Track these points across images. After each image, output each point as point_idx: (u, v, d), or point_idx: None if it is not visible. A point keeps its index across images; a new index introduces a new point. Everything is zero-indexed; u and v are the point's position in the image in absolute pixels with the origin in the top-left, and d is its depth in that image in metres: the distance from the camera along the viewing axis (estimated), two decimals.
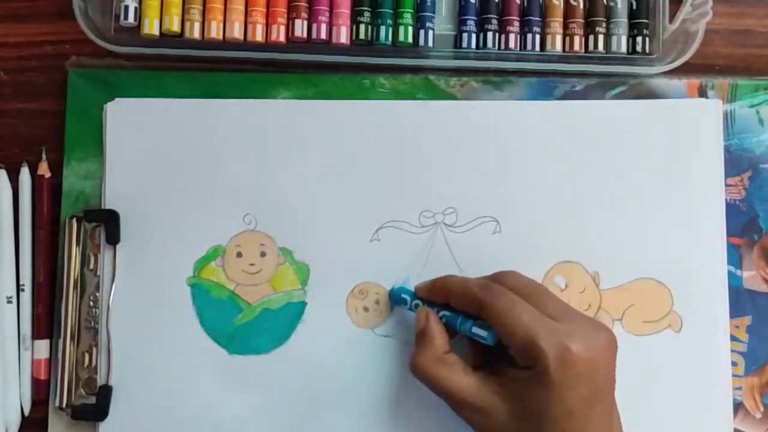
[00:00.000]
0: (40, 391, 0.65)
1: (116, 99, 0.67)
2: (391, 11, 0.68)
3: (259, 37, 0.67)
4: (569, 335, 0.55)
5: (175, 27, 0.67)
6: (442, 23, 0.69)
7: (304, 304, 0.66)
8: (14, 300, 0.66)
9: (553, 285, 0.67)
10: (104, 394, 0.64)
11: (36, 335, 0.66)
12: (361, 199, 0.67)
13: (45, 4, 0.69)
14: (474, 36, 0.68)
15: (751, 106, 0.69)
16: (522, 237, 0.67)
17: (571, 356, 0.54)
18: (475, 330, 0.59)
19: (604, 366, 0.56)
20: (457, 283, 0.61)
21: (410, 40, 0.68)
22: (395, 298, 0.66)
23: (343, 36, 0.67)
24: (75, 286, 0.65)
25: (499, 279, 0.61)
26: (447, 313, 0.61)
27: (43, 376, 0.65)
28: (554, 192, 0.67)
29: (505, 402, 0.56)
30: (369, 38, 0.68)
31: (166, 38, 0.68)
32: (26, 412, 0.65)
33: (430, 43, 0.68)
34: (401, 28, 0.67)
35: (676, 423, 0.66)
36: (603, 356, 0.56)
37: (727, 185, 0.68)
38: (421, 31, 0.68)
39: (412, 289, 0.65)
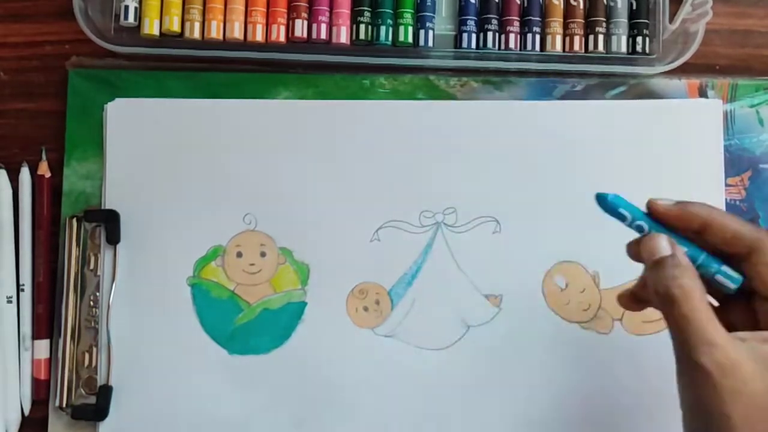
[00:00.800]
0: (40, 391, 0.65)
1: (116, 99, 0.67)
2: (391, 11, 0.68)
3: (259, 37, 0.67)
4: None
5: (175, 27, 0.67)
6: (442, 23, 0.69)
7: (304, 304, 0.66)
8: (14, 300, 0.66)
9: (553, 285, 0.67)
10: (104, 394, 0.64)
11: (36, 335, 0.66)
12: (361, 199, 0.67)
13: (45, 4, 0.69)
14: (474, 36, 0.68)
15: (751, 106, 0.69)
16: (522, 237, 0.67)
17: None
18: (725, 269, 0.52)
19: None
20: (722, 215, 0.53)
21: (410, 40, 0.68)
22: (608, 206, 0.54)
23: (343, 36, 0.67)
24: (75, 286, 0.65)
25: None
26: (687, 244, 0.53)
27: (43, 376, 0.65)
28: (554, 192, 0.67)
29: (756, 365, 0.48)
30: (369, 38, 0.68)
31: (166, 38, 0.68)
32: (26, 412, 0.65)
33: (430, 43, 0.68)
34: (401, 28, 0.67)
35: (676, 422, 0.65)
36: None
37: (727, 185, 0.68)
38: (422, 31, 0.68)
39: (635, 205, 0.54)
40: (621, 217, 0.54)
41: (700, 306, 0.49)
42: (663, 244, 0.52)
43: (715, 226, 0.52)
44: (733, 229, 0.52)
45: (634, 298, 0.58)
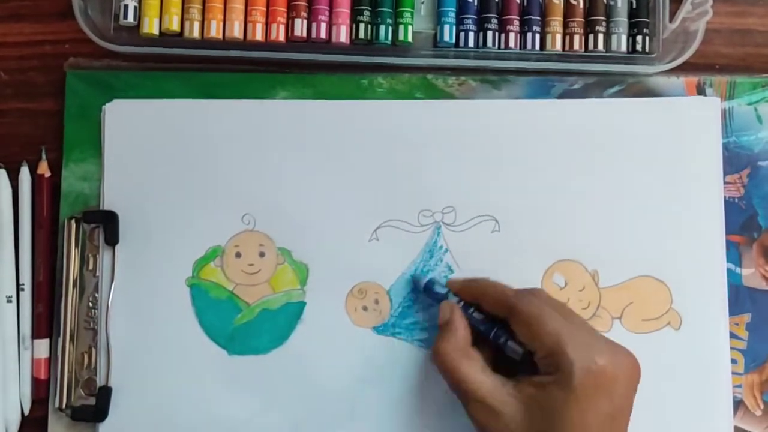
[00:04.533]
0: (40, 390, 0.65)
1: (114, 100, 0.67)
2: (391, 10, 0.67)
3: (259, 36, 0.67)
4: (597, 349, 0.56)
5: (175, 26, 0.67)
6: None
7: (303, 304, 0.66)
8: (14, 299, 0.66)
9: (552, 283, 0.67)
10: (104, 395, 0.64)
11: (36, 335, 0.66)
12: (359, 199, 0.67)
13: (45, 4, 0.69)
14: (473, 35, 0.68)
15: (750, 104, 0.69)
16: (521, 235, 0.67)
17: (597, 368, 0.54)
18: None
19: (625, 387, 0.56)
20: (491, 285, 0.62)
21: (410, 39, 0.68)
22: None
23: (342, 35, 0.67)
24: (74, 287, 0.66)
25: (530, 292, 0.61)
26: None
27: (43, 376, 0.65)
28: (553, 190, 0.67)
29: (520, 406, 0.56)
30: (369, 37, 0.68)
31: (165, 37, 0.68)
32: (26, 412, 0.66)
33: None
34: (401, 28, 0.67)
35: (676, 421, 0.66)
36: (626, 378, 0.56)
37: (725, 183, 0.68)
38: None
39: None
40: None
41: (466, 370, 0.58)
42: (445, 308, 0.62)
43: (487, 294, 0.61)
44: (494, 297, 0.60)
45: None
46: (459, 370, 0.58)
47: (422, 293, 0.65)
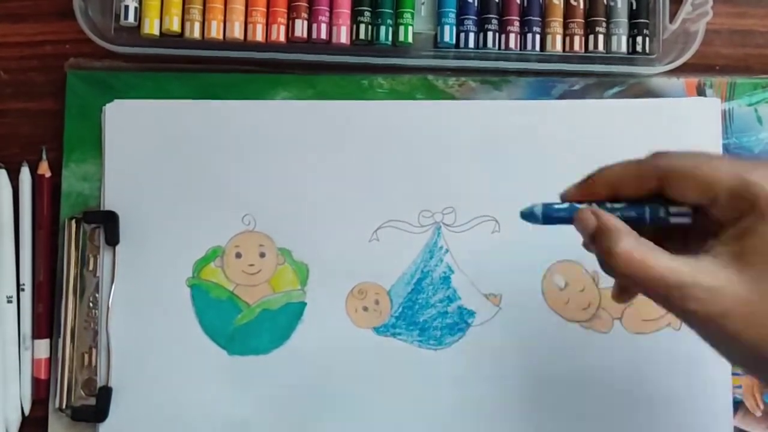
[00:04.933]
0: (40, 390, 0.65)
1: (115, 100, 0.67)
2: (391, 11, 0.67)
3: (259, 37, 0.67)
4: None
5: (175, 27, 0.67)
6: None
7: (303, 304, 0.66)
8: (14, 299, 0.66)
9: (552, 284, 0.67)
10: (104, 395, 0.64)
11: (36, 335, 0.66)
12: (360, 199, 0.67)
13: (45, 4, 0.69)
14: (473, 36, 0.68)
15: (750, 105, 0.69)
16: (521, 236, 0.66)
17: None
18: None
19: None
20: (620, 167, 0.51)
21: (410, 40, 0.68)
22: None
23: (343, 36, 0.67)
24: (74, 288, 0.66)
25: (661, 153, 0.50)
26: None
27: (43, 376, 0.65)
28: (553, 191, 0.67)
29: (735, 269, 0.45)
30: (369, 38, 0.68)
31: (166, 38, 0.68)
32: (26, 412, 0.65)
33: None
34: (401, 28, 0.67)
35: (676, 421, 0.66)
36: None
37: None
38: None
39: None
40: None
41: (647, 257, 0.46)
42: (585, 218, 0.50)
43: (623, 178, 0.51)
44: (637, 172, 0.50)
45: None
46: (654, 265, 0.46)
47: (543, 224, 0.53)
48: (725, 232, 0.46)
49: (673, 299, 0.46)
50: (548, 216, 0.52)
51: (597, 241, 0.48)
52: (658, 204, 0.49)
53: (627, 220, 0.48)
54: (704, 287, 0.45)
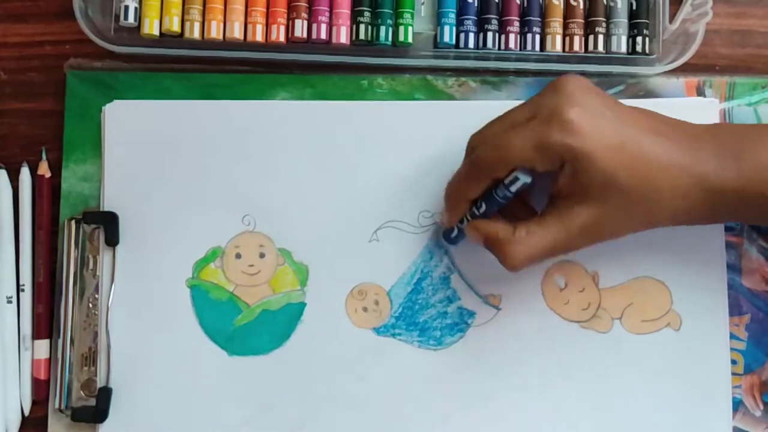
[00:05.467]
0: (40, 391, 0.65)
1: (115, 101, 0.67)
2: (391, 11, 0.67)
3: (259, 37, 0.67)
4: (542, 107, 0.56)
5: (175, 27, 0.67)
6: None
7: (303, 304, 0.66)
8: (14, 300, 0.66)
9: (552, 284, 0.67)
10: (104, 396, 0.64)
11: (36, 335, 0.66)
12: (359, 200, 0.67)
13: (45, 4, 0.70)
14: (473, 36, 0.68)
15: (750, 105, 0.69)
16: None
17: (564, 115, 0.54)
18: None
19: (591, 91, 0.57)
20: (454, 181, 0.61)
21: (410, 40, 0.68)
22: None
23: (343, 36, 0.67)
24: (74, 289, 0.66)
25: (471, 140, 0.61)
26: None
27: (43, 376, 0.65)
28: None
29: (594, 201, 0.56)
30: (369, 38, 0.68)
31: (166, 38, 0.68)
32: (26, 412, 0.66)
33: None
34: (401, 28, 0.67)
35: (675, 421, 0.66)
36: (581, 87, 0.56)
37: None
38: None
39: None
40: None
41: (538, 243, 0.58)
42: (472, 232, 0.61)
43: (466, 185, 0.60)
44: (468, 176, 0.60)
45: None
46: (540, 252, 0.58)
47: (447, 245, 0.67)
48: (563, 177, 0.56)
49: (573, 249, 0.59)
50: (449, 239, 0.65)
51: (488, 245, 0.60)
52: (498, 186, 0.58)
53: (498, 203, 0.59)
54: (588, 231, 0.57)
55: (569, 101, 0.55)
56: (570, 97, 0.55)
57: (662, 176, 0.55)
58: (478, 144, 0.60)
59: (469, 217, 0.61)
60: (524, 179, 0.57)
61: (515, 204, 0.60)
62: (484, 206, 0.60)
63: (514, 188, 0.57)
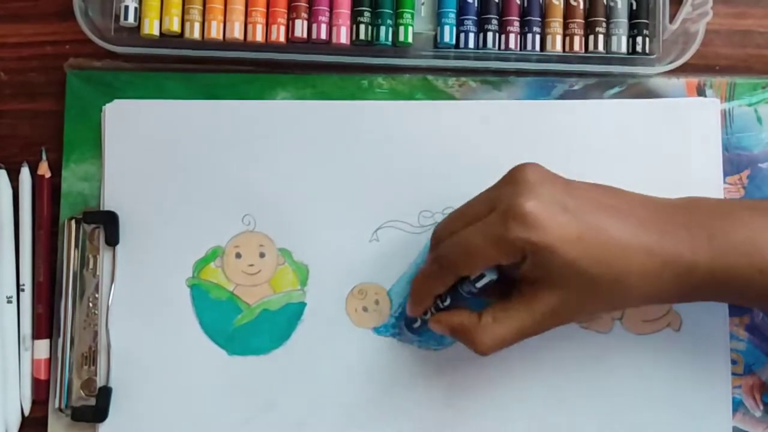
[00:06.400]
0: (40, 391, 0.65)
1: (115, 100, 0.67)
2: (391, 11, 0.67)
3: (259, 37, 0.67)
4: (500, 201, 0.56)
5: (175, 27, 0.67)
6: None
7: (303, 304, 0.66)
8: (14, 300, 0.66)
9: None
10: (104, 395, 0.64)
11: (36, 335, 0.66)
12: (360, 200, 0.67)
13: (45, 4, 0.69)
14: (473, 36, 0.68)
15: (750, 105, 0.69)
16: None
17: (521, 208, 0.54)
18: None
19: (547, 179, 0.57)
20: (420, 277, 0.61)
21: (410, 40, 0.67)
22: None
23: (343, 36, 0.67)
24: (74, 288, 0.66)
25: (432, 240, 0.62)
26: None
27: (43, 376, 0.65)
28: None
29: (559, 288, 0.55)
30: (369, 38, 0.68)
31: (166, 38, 0.67)
32: (26, 412, 0.65)
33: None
34: (401, 28, 0.67)
35: (676, 421, 0.66)
36: (537, 176, 0.57)
37: (725, 184, 0.68)
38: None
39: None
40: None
41: (505, 334, 0.58)
42: (436, 326, 0.61)
43: (429, 285, 0.61)
44: (431, 275, 0.60)
45: None
46: (507, 338, 0.58)
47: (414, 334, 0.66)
48: (525, 268, 0.55)
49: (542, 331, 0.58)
50: (412, 330, 0.65)
51: (455, 335, 0.60)
52: (463, 281, 0.59)
53: (461, 298, 0.60)
54: (557, 314, 0.57)
55: (526, 193, 0.54)
56: (526, 187, 0.55)
57: (629, 260, 0.54)
58: (441, 238, 0.59)
59: (433, 310, 0.62)
60: (490, 276, 0.57)
61: None
62: (449, 300, 0.61)
63: (480, 284, 0.58)
